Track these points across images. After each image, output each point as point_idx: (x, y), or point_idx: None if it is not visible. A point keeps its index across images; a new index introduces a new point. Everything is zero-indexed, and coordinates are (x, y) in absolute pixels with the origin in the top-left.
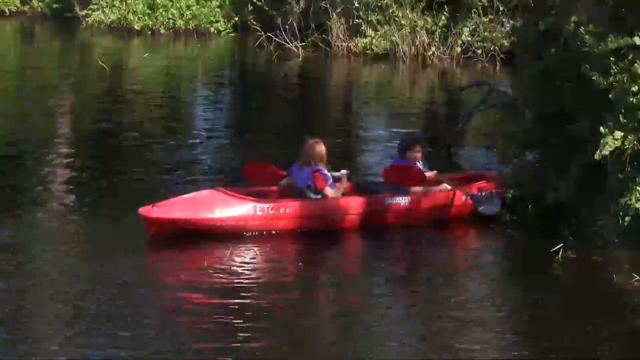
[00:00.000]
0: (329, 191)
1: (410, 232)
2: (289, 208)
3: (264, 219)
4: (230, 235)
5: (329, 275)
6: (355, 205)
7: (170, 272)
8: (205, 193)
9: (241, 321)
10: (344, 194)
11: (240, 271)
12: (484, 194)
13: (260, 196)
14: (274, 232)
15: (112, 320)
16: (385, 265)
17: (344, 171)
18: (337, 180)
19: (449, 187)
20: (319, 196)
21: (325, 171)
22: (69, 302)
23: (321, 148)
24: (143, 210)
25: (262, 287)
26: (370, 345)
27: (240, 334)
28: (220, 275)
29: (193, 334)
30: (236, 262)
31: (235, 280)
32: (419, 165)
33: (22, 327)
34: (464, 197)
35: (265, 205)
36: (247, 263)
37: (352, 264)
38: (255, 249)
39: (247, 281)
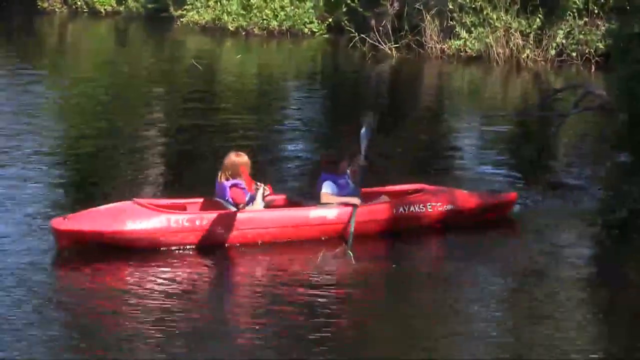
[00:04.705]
0: (245, 206)
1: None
2: (205, 221)
3: (179, 232)
4: (145, 249)
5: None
6: (273, 218)
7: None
8: (120, 205)
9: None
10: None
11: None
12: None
13: (183, 208)
14: (188, 246)
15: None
16: (470, 265)
17: (260, 187)
18: (253, 197)
19: (386, 198)
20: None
21: (244, 185)
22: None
23: (240, 161)
24: (54, 222)
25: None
26: (450, 344)
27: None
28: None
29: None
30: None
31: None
32: (349, 179)
33: None
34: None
35: (180, 218)
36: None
37: (425, 263)
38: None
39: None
